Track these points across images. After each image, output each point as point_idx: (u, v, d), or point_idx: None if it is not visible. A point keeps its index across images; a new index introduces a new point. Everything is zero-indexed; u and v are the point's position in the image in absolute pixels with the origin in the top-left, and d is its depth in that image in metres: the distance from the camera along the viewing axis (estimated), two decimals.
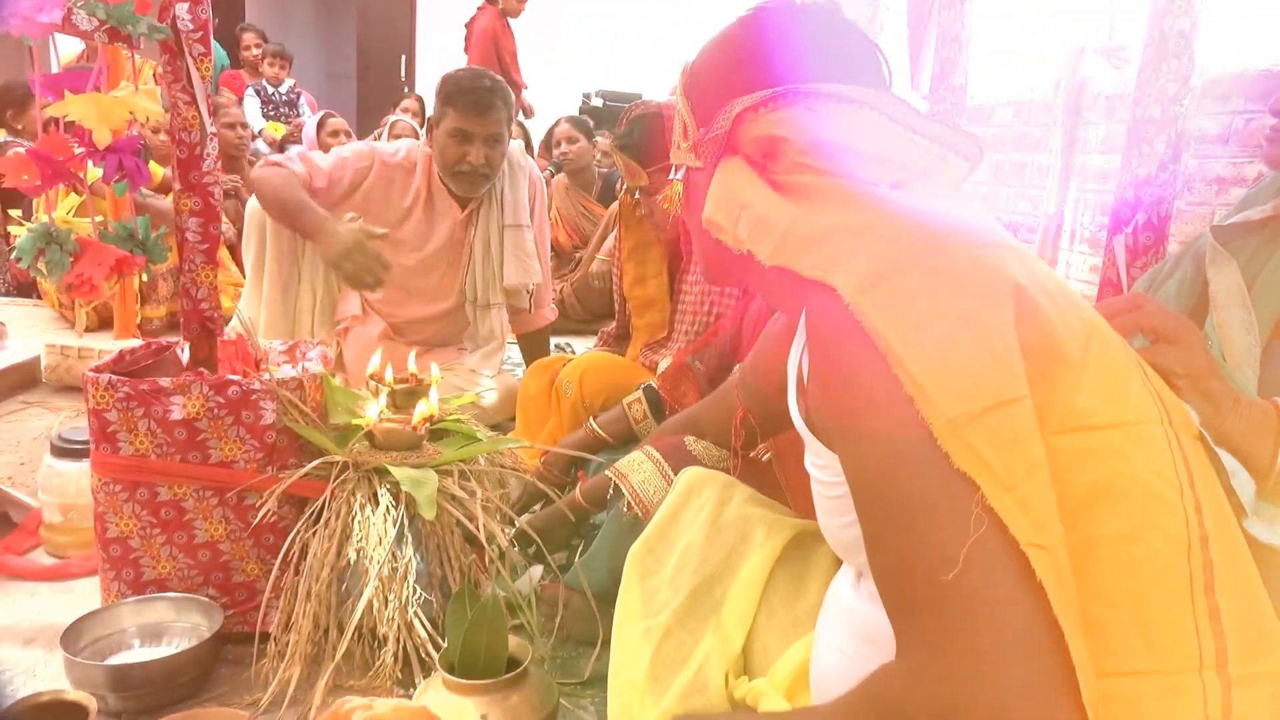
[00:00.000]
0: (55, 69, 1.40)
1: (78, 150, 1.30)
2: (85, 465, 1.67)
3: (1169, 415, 0.76)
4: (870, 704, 0.69)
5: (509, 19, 6.39)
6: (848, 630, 0.88)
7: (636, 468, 1.36)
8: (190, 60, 1.32)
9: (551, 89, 7.65)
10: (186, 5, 1.31)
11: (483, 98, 2.31)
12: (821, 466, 0.85)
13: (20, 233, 1.25)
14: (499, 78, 2.41)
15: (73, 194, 2.93)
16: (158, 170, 3.55)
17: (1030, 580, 0.62)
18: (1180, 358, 0.87)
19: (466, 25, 6.52)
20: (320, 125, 5.06)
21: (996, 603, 0.62)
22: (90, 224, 1.38)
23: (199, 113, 1.35)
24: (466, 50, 6.56)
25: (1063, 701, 0.61)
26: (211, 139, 1.38)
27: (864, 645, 0.83)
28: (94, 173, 1.42)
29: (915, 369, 0.66)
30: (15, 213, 2.42)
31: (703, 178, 0.90)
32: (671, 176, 0.99)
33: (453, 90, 2.34)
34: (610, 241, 3.78)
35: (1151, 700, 0.67)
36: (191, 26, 1.32)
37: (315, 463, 1.38)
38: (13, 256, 1.28)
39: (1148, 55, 1.35)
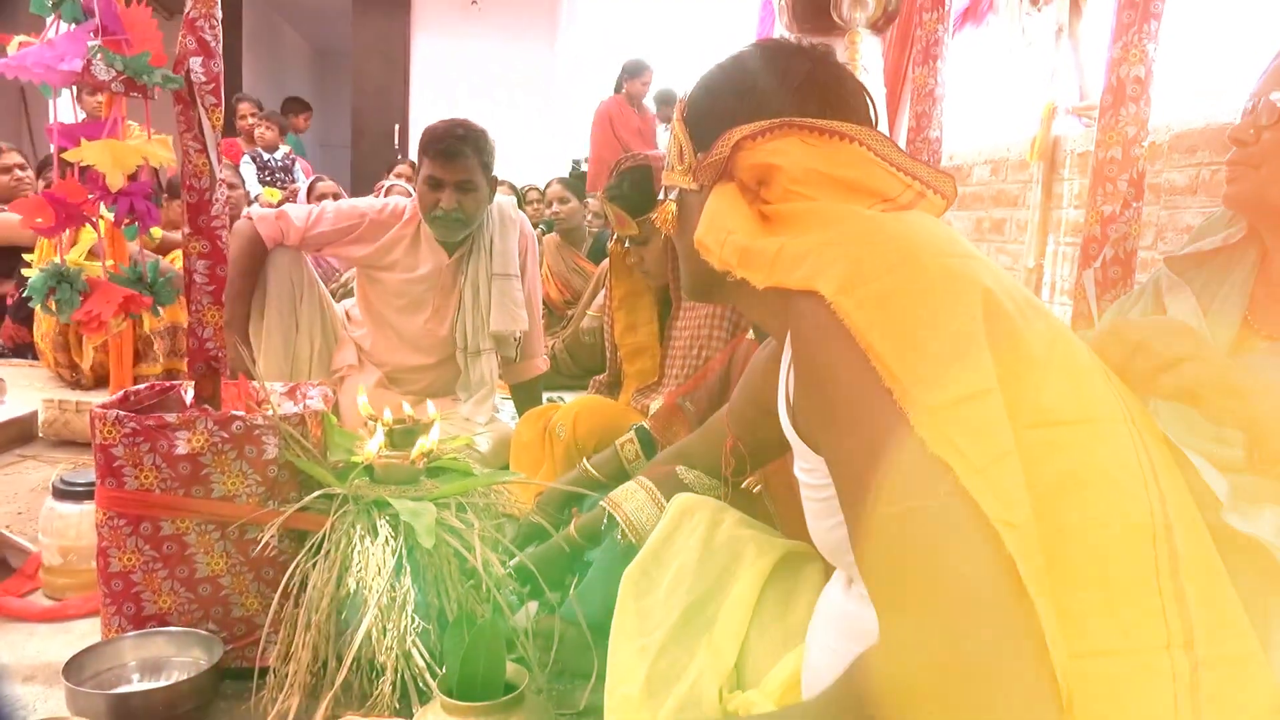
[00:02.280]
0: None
1: (90, 197, 1.36)
2: (86, 508, 1.70)
3: (1131, 415, 0.82)
4: (852, 685, 0.73)
5: (634, 102, 6.99)
6: (839, 630, 0.91)
7: (630, 497, 1.40)
8: (202, 110, 1.39)
9: (543, 153, 7.85)
10: (200, 59, 1.38)
11: (451, 145, 2.39)
12: (809, 470, 0.89)
13: (33, 274, 1.31)
14: (475, 127, 2.48)
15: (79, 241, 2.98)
16: (156, 231, 3.61)
17: (1001, 554, 0.66)
18: (1198, 373, 0.89)
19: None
20: (310, 189, 5.20)
21: (970, 576, 0.66)
22: (100, 266, 1.43)
23: (209, 160, 1.41)
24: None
25: (1033, 667, 0.65)
26: (220, 185, 1.44)
27: (854, 643, 0.86)
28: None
29: (892, 362, 0.71)
30: (30, 256, 2.48)
31: (696, 200, 0.97)
32: (662, 198, 1.06)
33: (427, 140, 2.44)
34: (600, 297, 3.86)
35: (1124, 678, 0.71)
36: (204, 78, 1.39)
37: (316, 494, 1.41)
38: (24, 294, 1.33)
39: (1106, 101, 1.44)
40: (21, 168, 4.14)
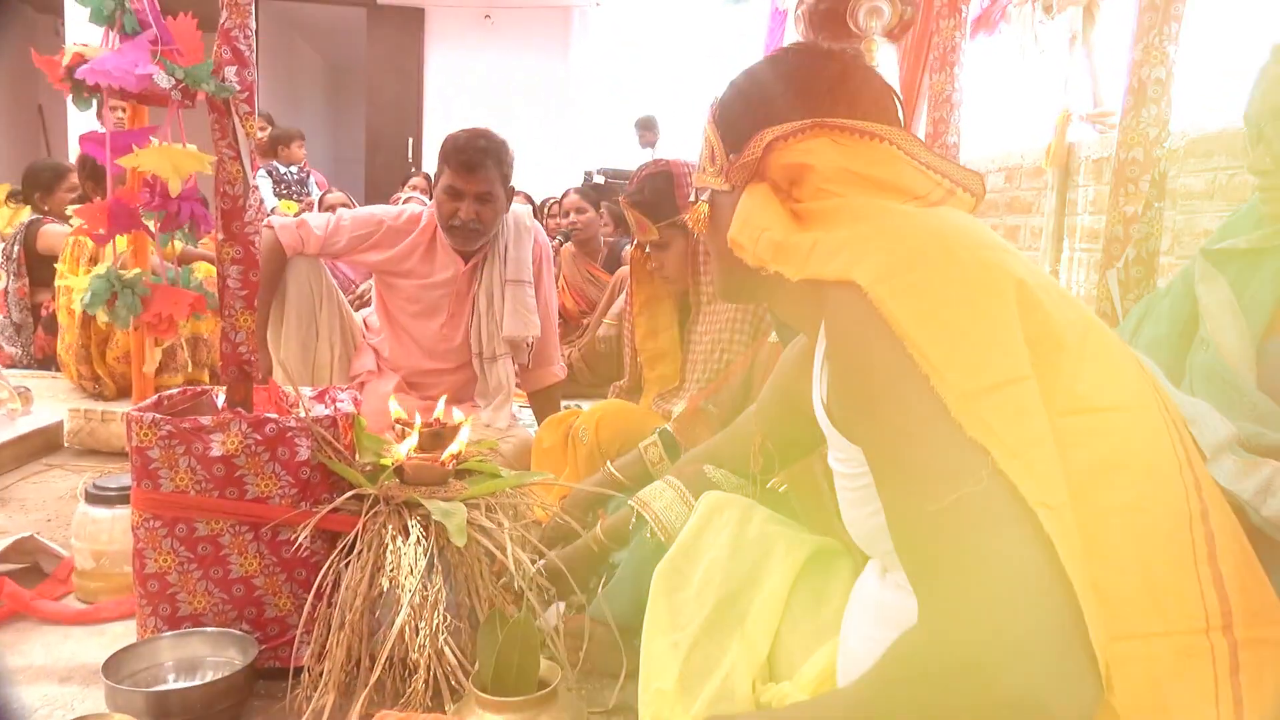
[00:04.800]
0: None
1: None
2: (118, 512, 1.72)
3: (1164, 402, 0.83)
4: (894, 670, 0.73)
5: None
6: (875, 619, 0.92)
7: (658, 495, 1.41)
8: (237, 118, 1.42)
9: (555, 165, 7.92)
10: (235, 68, 1.41)
11: (473, 157, 2.41)
12: (843, 460, 0.90)
13: (80, 282, 1.33)
14: (496, 138, 2.50)
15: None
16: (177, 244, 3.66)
17: (1040, 537, 0.67)
18: None
19: None
20: (320, 202, 5.33)
21: (1010, 558, 0.67)
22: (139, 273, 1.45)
23: (242, 167, 1.44)
24: None
25: (1076, 648, 0.66)
26: (253, 191, 1.46)
27: (891, 631, 0.86)
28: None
29: (929, 349, 0.72)
30: (61, 267, 2.52)
31: (728, 200, 0.99)
32: (693, 200, 1.07)
33: (449, 150, 2.46)
34: (616, 306, 3.88)
35: (1164, 661, 0.71)
36: (238, 87, 1.42)
37: (348, 494, 1.43)
38: (82, 303, 1.35)
39: (1128, 102, 1.45)
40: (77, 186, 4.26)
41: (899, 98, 1.02)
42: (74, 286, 2.84)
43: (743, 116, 1.00)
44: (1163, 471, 0.77)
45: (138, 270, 1.39)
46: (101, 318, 1.47)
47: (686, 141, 7.16)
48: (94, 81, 1.21)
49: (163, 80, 1.25)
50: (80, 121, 6.47)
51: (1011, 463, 0.69)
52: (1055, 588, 0.66)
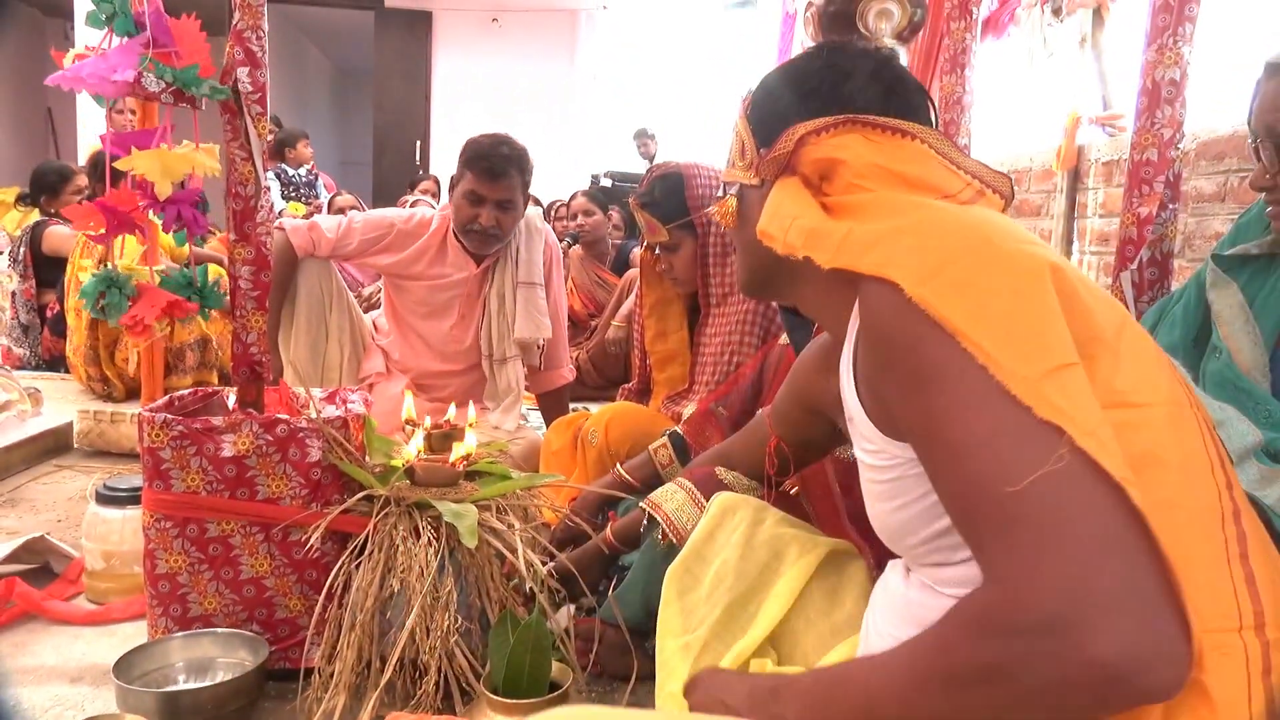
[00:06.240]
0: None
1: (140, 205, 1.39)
2: (128, 513, 1.72)
3: (1195, 402, 0.82)
4: (961, 629, 0.70)
5: None
6: (900, 617, 0.91)
7: (670, 497, 1.40)
8: (249, 120, 1.42)
9: (562, 169, 7.93)
10: (247, 70, 1.41)
11: (497, 165, 2.42)
12: (874, 453, 0.89)
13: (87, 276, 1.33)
14: (519, 146, 2.51)
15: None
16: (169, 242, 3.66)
17: (1126, 506, 0.66)
18: None
19: None
20: (330, 204, 5.36)
21: (1091, 511, 0.66)
22: (149, 271, 1.45)
23: (255, 168, 1.44)
24: None
25: (1169, 611, 0.64)
26: (265, 193, 1.46)
27: (918, 629, 0.86)
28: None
29: (984, 341, 0.72)
30: (75, 261, 2.53)
31: (757, 195, 0.99)
32: (720, 195, 1.08)
33: (472, 155, 2.46)
34: (625, 308, 3.88)
35: (1196, 659, 0.71)
36: (251, 88, 1.42)
37: (359, 496, 1.43)
38: (79, 297, 1.36)
39: (1141, 103, 1.44)
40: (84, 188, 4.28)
41: (930, 97, 1.02)
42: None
43: (775, 111, 1.00)
44: (1196, 470, 0.76)
45: (143, 268, 1.38)
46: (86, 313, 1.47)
47: (691, 145, 7.16)
48: (68, 88, 1.21)
49: (151, 84, 1.25)
50: (88, 125, 6.51)
51: (1088, 440, 0.68)
52: (1138, 540, 0.65)
